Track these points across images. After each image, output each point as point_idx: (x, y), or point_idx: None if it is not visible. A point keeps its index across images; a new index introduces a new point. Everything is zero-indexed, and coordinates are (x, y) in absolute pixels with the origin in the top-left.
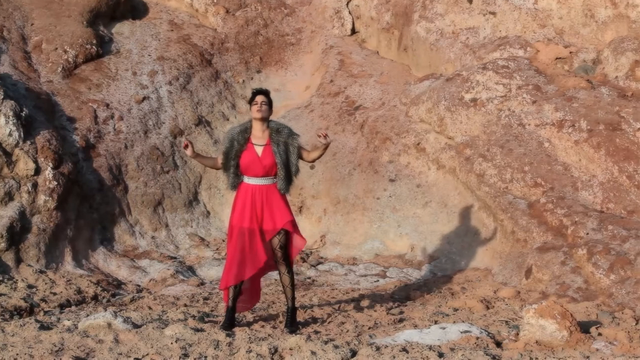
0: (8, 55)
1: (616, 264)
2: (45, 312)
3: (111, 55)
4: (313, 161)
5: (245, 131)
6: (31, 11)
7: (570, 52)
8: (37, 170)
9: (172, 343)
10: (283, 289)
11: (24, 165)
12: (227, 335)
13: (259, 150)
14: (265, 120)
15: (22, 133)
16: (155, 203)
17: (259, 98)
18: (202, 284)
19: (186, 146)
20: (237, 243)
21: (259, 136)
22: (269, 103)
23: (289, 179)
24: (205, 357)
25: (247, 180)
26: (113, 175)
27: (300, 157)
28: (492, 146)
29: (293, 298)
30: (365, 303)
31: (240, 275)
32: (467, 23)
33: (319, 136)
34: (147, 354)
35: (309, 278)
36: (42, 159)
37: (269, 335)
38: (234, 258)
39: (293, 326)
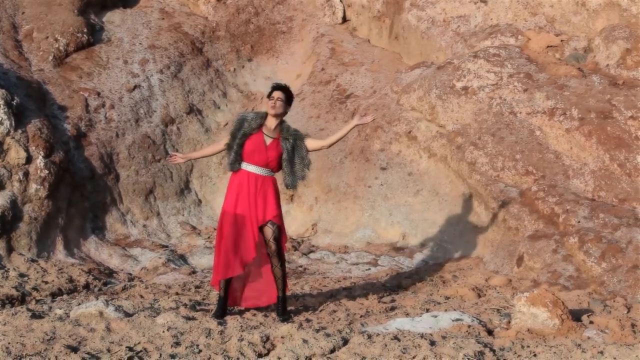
0: None
1: (607, 252)
2: (37, 301)
3: (102, 44)
4: (331, 144)
5: (261, 118)
6: (22, 0)
7: (562, 41)
8: (29, 159)
9: (163, 332)
10: (274, 280)
11: (15, 154)
12: (219, 323)
13: (268, 140)
14: (279, 116)
15: (13, 122)
16: (147, 191)
17: (276, 94)
18: (194, 272)
19: (174, 158)
20: (228, 234)
21: (271, 129)
22: (287, 100)
23: (294, 175)
24: (197, 345)
25: (246, 167)
26: (104, 164)
27: (308, 150)
28: (483, 134)
29: (284, 289)
30: (356, 291)
31: (229, 271)
32: (458, 11)
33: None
34: (139, 343)
35: (301, 266)
36: (34, 148)
37: (260, 323)
38: (220, 252)
39: (285, 315)
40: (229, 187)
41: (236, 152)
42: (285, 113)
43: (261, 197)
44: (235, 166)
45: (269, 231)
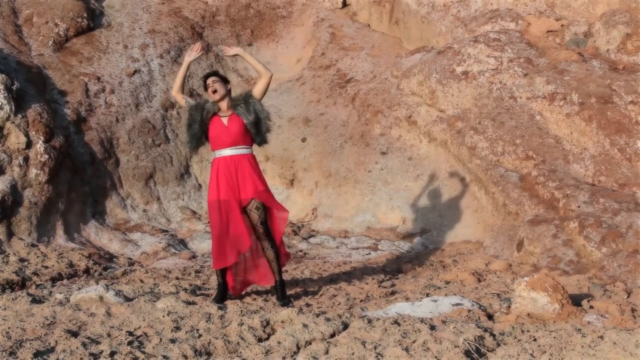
0: None
1: (608, 237)
2: (37, 286)
3: (102, 29)
4: (268, 71)
5: (213, 105)
6: None
7: (562, 25)
8: (29, 144)
9: (163, 316)
10: (269, 263)
11: (15, 139)
12: (219, 308)
13: (225, 120)
14: (224, 97)
15: (13, 106)
16: (147, 176)
17: (210, 80)
18: (194, 257)
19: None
20: (216, 224)
21: (224, 110)
22: (222, 80)
23: (260, 132)
24: (197, 330)
25: (217, 154)
26: (104, 149)
27: (259, 97)
28: (483, 119)
29: (280, 272)
30: (357, 276)
31: (223, 261)
32: None
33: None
34: (139, 327)
35: (301, 251)
36: (34, 133)
37: (260, 308)
38: (213, 242)
39: (284, 299)
40: (210, 177)
41: (202, 132)
42: (228, 92)
43: (241, 177)
44: (192, 148)
45: (254, 216)
